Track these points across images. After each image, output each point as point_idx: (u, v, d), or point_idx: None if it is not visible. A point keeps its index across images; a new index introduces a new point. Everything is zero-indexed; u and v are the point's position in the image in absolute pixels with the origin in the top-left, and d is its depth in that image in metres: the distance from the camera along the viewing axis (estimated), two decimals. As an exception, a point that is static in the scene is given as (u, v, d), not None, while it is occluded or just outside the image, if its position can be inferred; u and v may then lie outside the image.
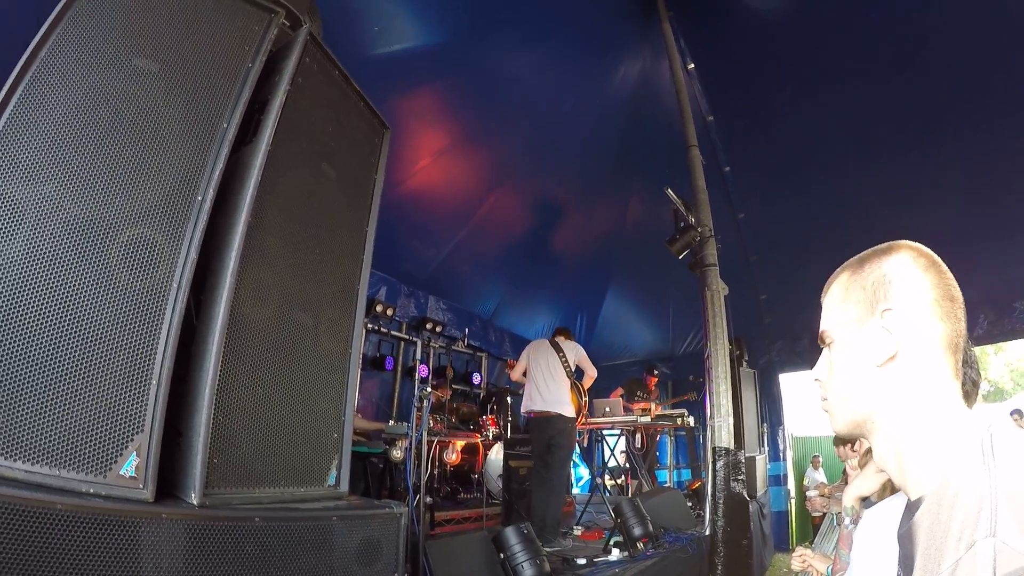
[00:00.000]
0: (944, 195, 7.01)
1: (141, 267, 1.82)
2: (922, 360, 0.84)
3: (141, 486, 1.69)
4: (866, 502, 2.02)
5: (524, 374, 6.12)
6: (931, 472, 0.77)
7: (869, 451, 2.09)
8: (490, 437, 7.02)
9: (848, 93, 6.75)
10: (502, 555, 3.34)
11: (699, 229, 6.20)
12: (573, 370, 5.98)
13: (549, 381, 5.78)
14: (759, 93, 7.37)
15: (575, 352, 6.08)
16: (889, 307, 0.87)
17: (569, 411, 5.75)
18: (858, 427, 0.91)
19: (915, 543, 0.73)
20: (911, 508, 0.79)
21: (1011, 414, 8.65)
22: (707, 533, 5.34)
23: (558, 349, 6.01)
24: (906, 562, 0.76)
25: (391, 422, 5.77)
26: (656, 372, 9.23)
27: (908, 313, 0.86)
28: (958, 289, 0.88)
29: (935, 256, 0.90)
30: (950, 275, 0.88)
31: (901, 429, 0.84)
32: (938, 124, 6.57)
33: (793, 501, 10.31)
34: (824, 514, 6.45)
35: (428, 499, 4.92)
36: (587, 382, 6.16)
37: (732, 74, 7.53)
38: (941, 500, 0.71)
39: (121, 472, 1.68)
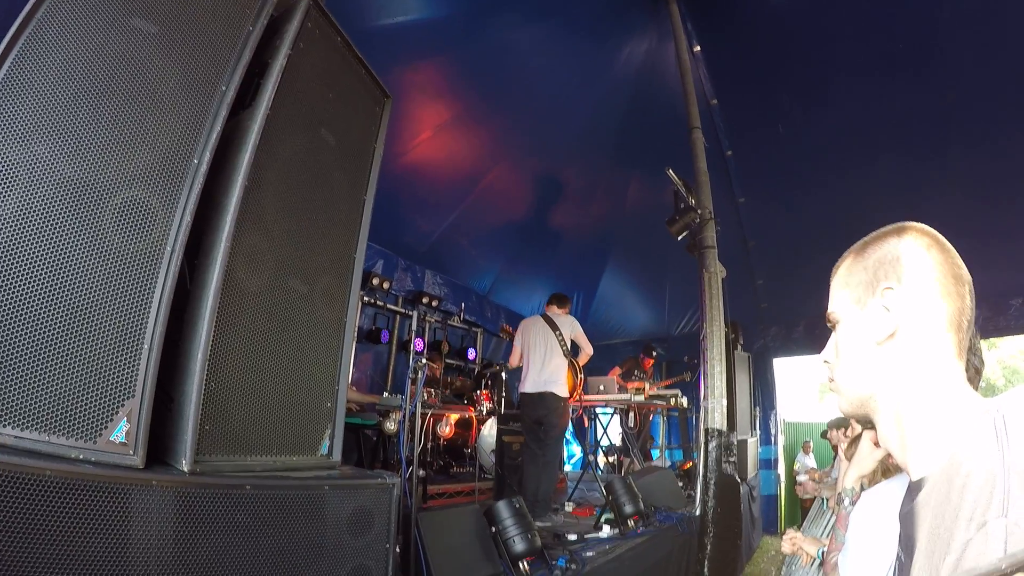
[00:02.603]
0: (944, 193, 6.96)
1: (135, 230, 1.78)
2: (923, 338, 0.84)
3: (131, 452, 1.68)
4: (865, 483, 2.03)
5: (521, 357, 6.05)
6: (935, 452, 0.76)
7: (858, 437, 2.08)
8: (484, 412, 7.04)
9: (855, 87, 6.68)
10: (493, 529, 3.36)
11: (699, 211, 6.18)
12: (569, 346, 5.92)
13: (547, 362, 5.73)
14: (765, 80, 7.29)
15: (571, 327, 5.98)
16: (889, 286, 0.88)
17: (563, 390, 5.73)
18: (863, 406, 0.92)
19: (918, 523, 0.73)
20: (913, 489, 0.78)
21: None
22: (697, 513, 5.39)
23: (553, 326, 5.92)
24: (907, 543, 0.76)
25: (385, 394, 5.78)
26: (654, 354, 9.24)
27: (909, 292, 0.86)
28: (965, 270, 0.87)
29: (940, 237, 0.90)
30: (956, 256, 0.88)
31: (904, 408, 0.84)
32: (943, 123, 6.52)
33: (783, 485, 10.40)
34: (814, 498, 6.51)
35: (421, 472, 4.95)
36: (583, 359, 6.11)
37: (738, 60, 7.45)
38: (951, 480, 0.70)
39: (111, 438, 1.66)
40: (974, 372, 1.54)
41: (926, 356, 0.83)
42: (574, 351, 6.03)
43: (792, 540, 3.06)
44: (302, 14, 2.31)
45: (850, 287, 0.94)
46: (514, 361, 6.19)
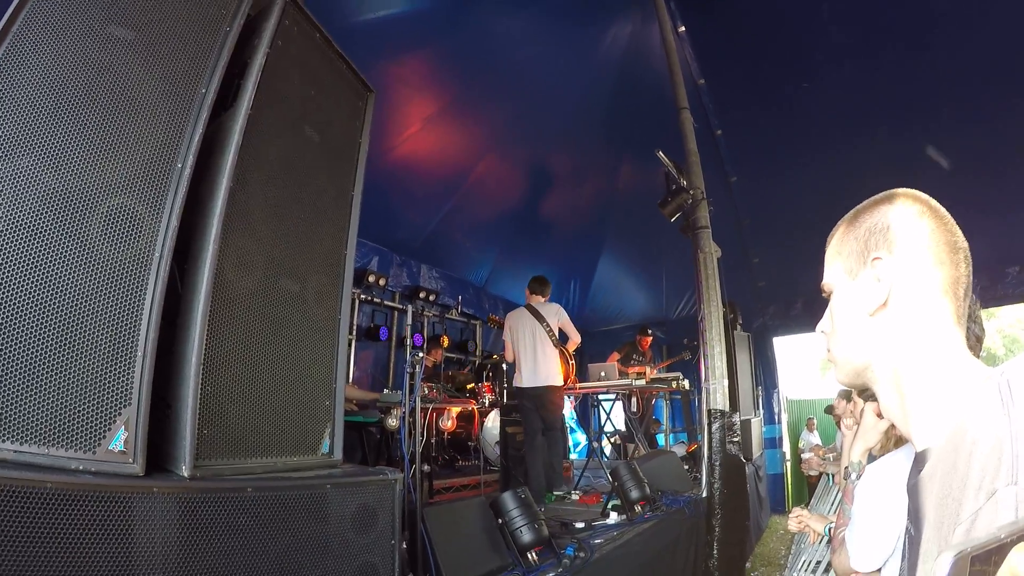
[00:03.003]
0: (938, 165, 6.97)
1: (122, 238, 1.77)
2: (917, 307, 0.83)
3: (131, 460, 1.68)
4: (871, 455, 2.02)
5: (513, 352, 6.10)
6: (939, 421, 0.75)
7: (862, 412, 2.08)
8: (486, 404, 7.05)
9: (844, 61, 6.67)
10: (500, 520, 3.35)
11: (691, 191, 6.15)
12: (558, 336, 5.94)
13: (536, 354, 5.79)
14: (752, 59, 7.26)
15: (556, 316, 5.99)
16: (878, 255, 0.87)
17: (558, 380, 5.81)
18: (859, 376, 0.91)
19: (926, 495, 0.72)
20: (920, 459, 0.77)
21: None
22: (704, 495, 5.39)
23: (539, 317, 5.93)
24: (916, 515, 0.75)
25: (386, 391, 5.77)
26: (650, 333, 9.23)
27: (900, 260, 0.85)
28: (960, 236, 0.85)
29: (934, 203, 0.88)
30: (951, 222, 0.86)
31: (903, 377, 0.82)
32: (935, 94, 6.51)
33: (789, 464, 10.43)
34: (820, 475, 6.53)
35: (426, 467, 4.95)
36: (571, 347, 6.11)
37: (724, 38, 7.42)
38: (957, 448, 0.69)
39: (110, 447, 1.66)
40: (975, 341, 1.53)
41: (921, 324, 0.82)
42: (562, 339, 6.04)
43: (799, 518, 3.06)
44: (279, 12, 2.29)
45: (842, 257, 0.94)
46: (508, 356, 6.22)
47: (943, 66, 6.17)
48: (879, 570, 1.52)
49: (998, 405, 0.67)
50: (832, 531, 2.22)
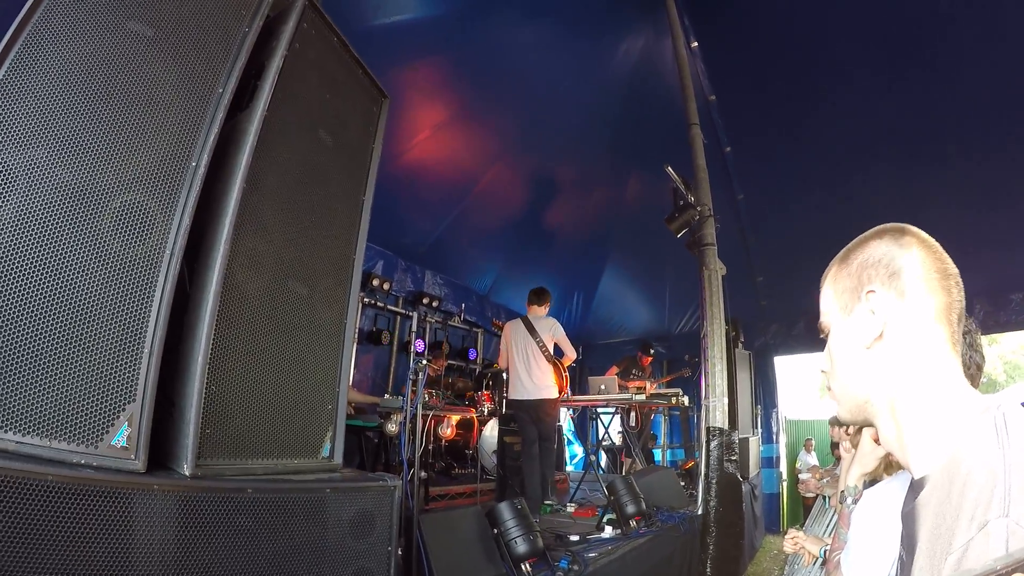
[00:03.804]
0: (945, 190, 7.00)
1: (133, 234, 1.78)
2: (912, 336, 0.85)
3: (133, 456, 1.67)
4: (867, 481, 2.02)
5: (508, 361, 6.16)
6: (935, 449, 0.76)
7: (859, 431, 2.08)
8: (485, 413, 7.05)
9: (855, 85, 6.70)
10: (496, 530, 3.35)
11: (698, 208, 6.17)
12: (552, 350, 5.98)
13: (530, 367, 5.85)
14: (764, 77, 7.29)
15: (551, 330, 6.06)
16: (871, 289, 0.89)
17: (553, 392, 5.87)
18: (861, 412, 0.92)
19: (919, 522, 0.72)
20: (915, 487, 0.78)
21: None
22: (699, 512, 5.38)
23: (532, 331, 5.99)
24: (909, 542, 0.75)
25: (386, 396, 5.77)
26: (652, 351, 9.22)
27: (893, 292, 0.87)
28: (950, 264, 0.88)
29: (922, 234, 0.90)
30: (940, 251, 0.88)
31: (899, 406, 0.84)
32: (943, 122, 6.54)
33: (785, 484, 10.40)
34: (816, 496, 6.50)
35: (423, 474, 4.94)
36: (566, 362, 6.16)
37: (737, 56, 7.45)
38: (952, 479, 0.69)
39: (113, 442, 1.66)
40: (976, 369, 1.54)
41: (917, 353, 0.84)
42: (558, 353, 6.09)
43: (794, 539, 3.05)
44: (298, 15, 2.31)
45: (837, 294, 0.96)
46: (502, 363, 6.33)
47: (953, 94, 6.21)
48: None
49: (993, 438, 0.68)
50: (828, 554, 2.22)
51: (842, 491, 2.15)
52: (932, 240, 0.90)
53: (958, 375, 0.82)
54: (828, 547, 2.43)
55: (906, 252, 0.88)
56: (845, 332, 0.93)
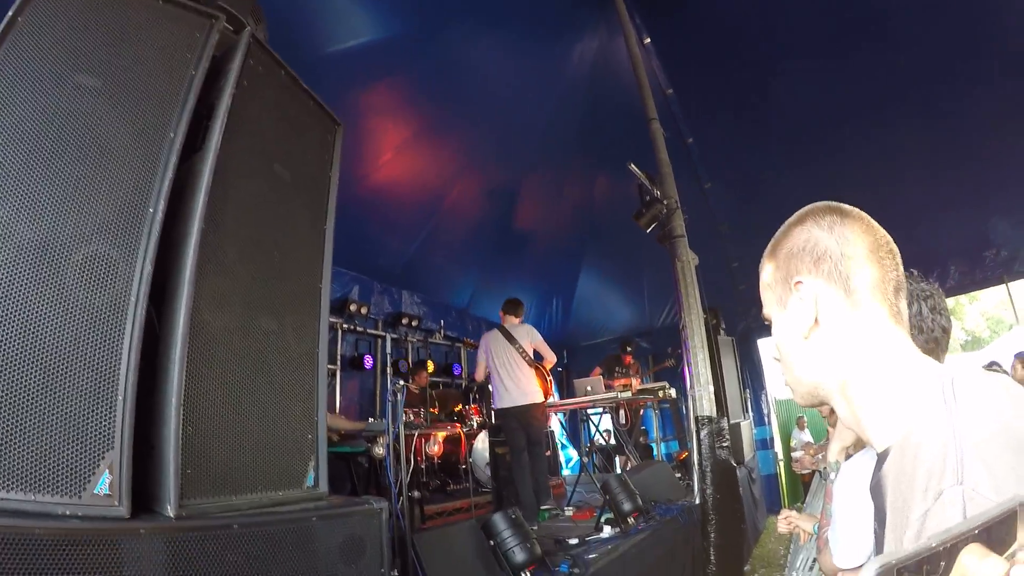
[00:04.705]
0: (912, 154, 7.13)
1: (97, 284, 1.80)
2: (847, 318, 0.85)
3: (116, 503, 1.69)
4: (850, 451, 2.04)
5: (486, 370, 6.23)
6: (890, 424, 0.76)
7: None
8: (474, 426, 7.06)
9: (810, 61, 6.80)
10: (492, 542, 3.36)
11: (664, 201, 6.24)
12: (532, 355, 6.04)
13: (514, 374, 5.90)
14: (718, 66, 7.40)
15: (529, 336, 6.13)
16: (799, 279, 0.89)
17: (538, 398, 5.91)
18: (815, 396, 0.92)
19: (885, 495, 0.73)
20: (880, 460, 0.78)
21: (989, 366, 8.81)
22: (697, 502, 5.42)
23: (511, 339, 6.06)
24: (880, 514, 0.75)
25: (371, 420, 5.77)
26: (630, 349, 9.26)
27: (821, 277, 0.87)
28: (880, 234, 0.87)
29: (846, 210, 0.89)
30: (868, 224, 0.88)
31: (850, 389, 0.83)
32: (902, 90, 6.67)
33: (781, 464, 10.47)
34: (813, 473, 6.55)
35: (415, 493, 4.94)
36: (547, 365, 6.21)
37: (690, 48, 7.57)
38: (904, 452, 0.70)
39: (96, 491, 1.67)
40: (941, 332, 1.54)
41: (855, 334, 0.84)
42: (538, 358, 6.15)
43: (787, 519, 3.08)
44: (243, 53, 2.33)
45: (771, 288, 0.96)
46: (479, 374, 6.38)
47: (906, 60, 6.32)
48: (862, 566, 1.55)
49: (941, 406, 0.68)
50: (818, 530, 2.24)
51: (824, 467, 2.18)
52: (858, 214, 0.89)
53: (904, 347, 0.82)
54: (819, 521, 2.47)
55: (828, 234, 0.87)
56: (783, 325, 0.93)
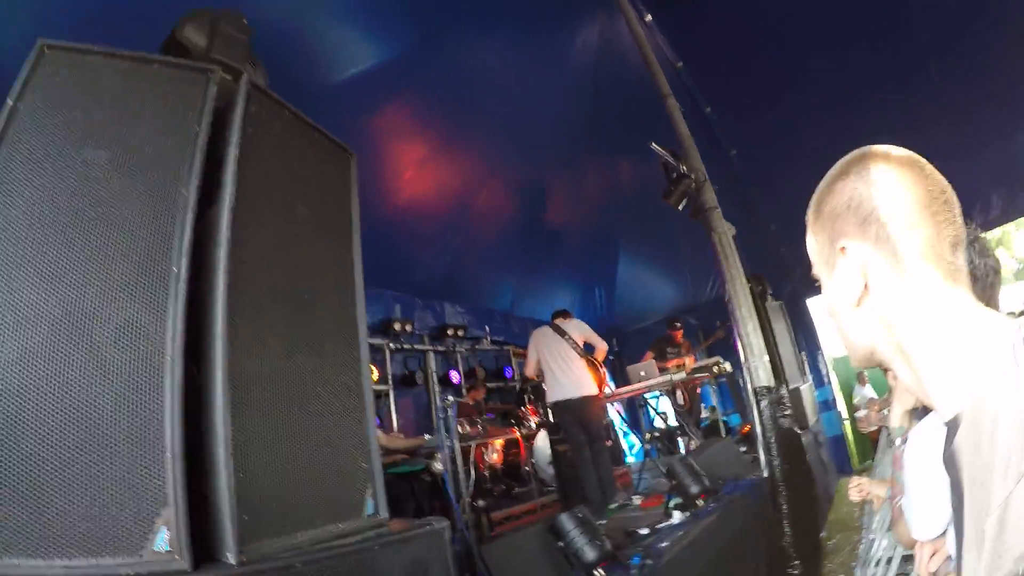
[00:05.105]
0: (943, 81, 6.82)
1: (131, 348, 1.84)
2: (899, 283, 0.77)
3: (177, 557, 1.72)
4: (915, 413, 1.96)
5: (538, 366, 6.23)
6: (957, 389, 0.69)
7: None
8: (532, 427, 7.07)
9: (815, 8, 6.62)
10: (561, 543, 3.35)
11: (692, 176, 6.14)
12: (583, 347, 6.04)
13: (565, 367, 5.88)
14: (725, 29, 7.27)
15: (579, 329, 6.16)
16: (844, 244, 0.82)
17: (592, 389, 5.88)
18: (870, 360, 0.86)
19: (960, 470, 0.66)
20: (950, 429, 0.70)
21: None
22: (765, 475, 5.31)
23: (561, 332, 6.08)
24: (956, 490, 0.68)
25: (427, 436, 5.82)
26: (679, 324, 9.14)
27: (868, 241, 0.79)
28: (937, 184, 0.79)
29: (894, 155, 0.81)
30: (921, 171, 0.79)
31: (910, 355, 0.77)
32: (933, 26, 6.42)
33: (847, 423, 10.18)
34: (880, 428, 6.37)
35: (480, 502, 4.96)
36: (599, 355, 6.22)
37: (693, 16, 7.45)
38: (978, 426, 0.63)
39: (155, 548, 1.71)
40: (993, 274, 1.45)
41: (909, 299, 0.77)
42: (589, 350, 6.17)
43: (859, 487, 3.00)
44: (243, 100, 2.36)
45: (818, 248, 0.90)
46: (529, 370, 6.42)
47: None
48: (943, 534, 1.49)
49: (1012, 368, 0.61)
50: (891, 499, 2.15)
51: (889, 433, 2.11)
52: (908, 159, 0.80)
53: (964, 305, 0.74)
54: (891, 487, 2.38)
55: (874, 189, 0.79)
56: (832, 290, 0.87)
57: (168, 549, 1.72)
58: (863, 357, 0.87)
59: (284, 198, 2.52)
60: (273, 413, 2.15)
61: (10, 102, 1.90)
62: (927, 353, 0.74)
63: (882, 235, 0.78)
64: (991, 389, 0.63)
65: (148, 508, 1.73)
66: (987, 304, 0.78)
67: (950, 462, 0.69)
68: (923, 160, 0.81)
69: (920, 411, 1.91)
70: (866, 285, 0.80)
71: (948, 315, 0.74)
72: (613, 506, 5.67)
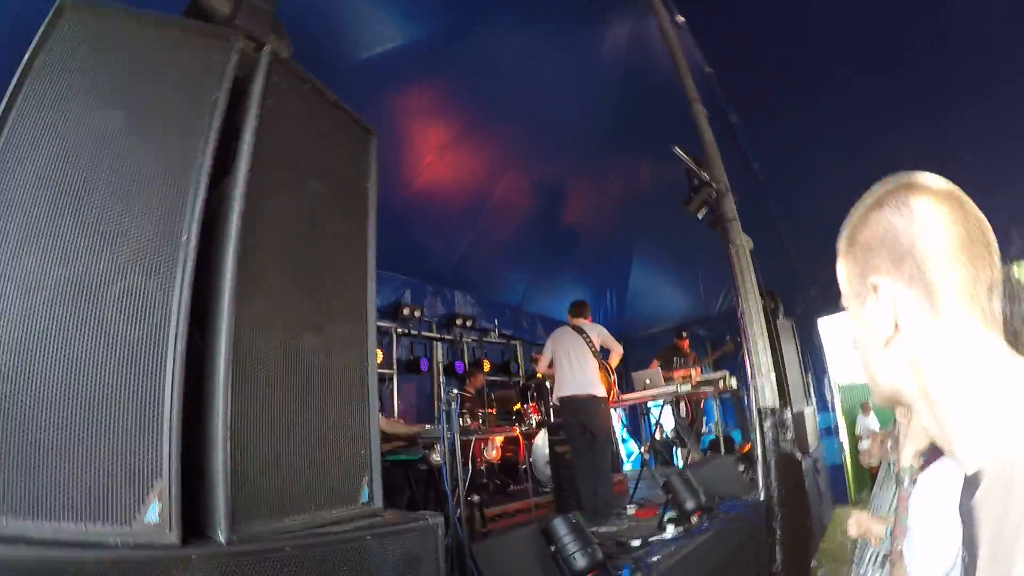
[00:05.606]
0: (971, 109, 6.67)
1: (136, 316, 1.81)
2: (931, 327, 0.74)
3: (167, 530, 1.69)
4: (922, 453, 1.90)
5: (551, 365, 6.18)
6: (983, 443, 0.66)
7: None
8: (533, 425, 7.03)
9: (856, 26, 6.49)
10: (552, 547, 3.31)
11: (714, 185, 6.06)
12: (599, 350, 6.00)
13: (578, 364, 5.84)
14: (757, 38, 7.13)
15: (598, 332, 6.11)
16: (876, 281, 0.78)
17: (601, 391, 5.81)
18: (894, 401, 0.83)
19: (978, 526, 0.63)
20: (970, 483, 0.67)
21: None
22: (762, 498, 5.23)
23: (581, 332, 6.05)
24: (970, 543, 0.65)
25: (427, 426, 5.77)
26: (686, 335, 9.06)
27: (901, 280, 0.76)
28: (975, 221, 0.74)
29: (935, 187, 0.76)
30: (959, 208, 0.75)
31: (935, 402, 0.73)
32: (959, 57, 6.28)
33: (847, 452, 10.04)
34: (881, 462, 6.28)
35: (475, 497, 4.92)
36: (614, 360, 6.20)
37: (726, 22, 7.32)
38: (1007, 484, 0.59)
39: (146, 520, 1.68)
40: (1021, 323, 1.41)
41: (940, 344, 0.73)
42: (604, 355, 6.13)
43: (858, 522, 2.94)
44: (264, 71, 2.31)
45: (848, 279, 0.86)
46: (542, 368, 6.38)
47: (962, 24, 5.98)
48: None
49: None
50: (891, 537, 2.10)
51: (897, 472, 2.05)
52: (948, 193, 0.75)
53: (999, 353, 0.70)
54: (892, 527, 2.32)
55: (911, 225, 0.75)
56: (860, 325, 0.83)
57: (158, 522, 1.68)
58: (887, 397, 0.84)
59: (300, 173, 2.48)
60: (275, 392, 2.11)
61: (27, 57, 1.86)
62: (954, 401, 0.70)
63: (916, 275, 0.74)
64: (1018, 444, 0.59)
65: (143, 479, 1.70)
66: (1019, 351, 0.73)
67: (967, 517, 0.66)
68: (964, 195, 0.76)
69: (929, 452, 1.85)
70: (896, 324, 0.76)
71: (981, 363, 0.70)
72: (606, 529, 5.54)
